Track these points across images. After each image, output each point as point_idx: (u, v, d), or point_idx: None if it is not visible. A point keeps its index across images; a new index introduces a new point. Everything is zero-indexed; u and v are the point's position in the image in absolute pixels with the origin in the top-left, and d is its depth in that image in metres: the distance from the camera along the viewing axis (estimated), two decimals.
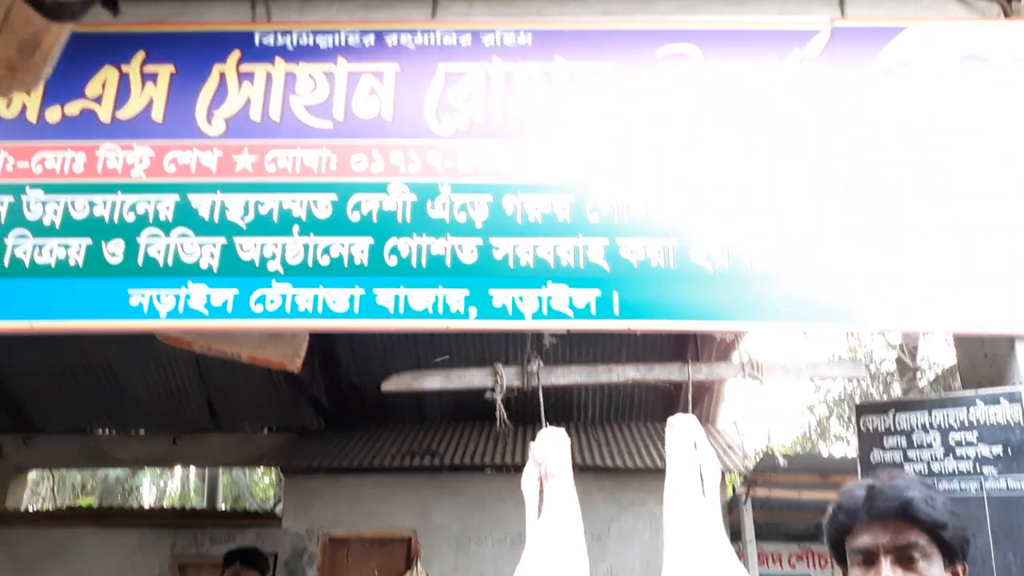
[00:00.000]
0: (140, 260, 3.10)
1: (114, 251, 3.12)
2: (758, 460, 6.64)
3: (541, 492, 2.28)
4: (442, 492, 7.89)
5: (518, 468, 7.93)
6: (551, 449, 2.33)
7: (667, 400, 8.22)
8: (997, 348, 3.05)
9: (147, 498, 14.86)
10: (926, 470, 2.64)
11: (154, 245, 3.13)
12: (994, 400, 2.68)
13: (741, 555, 7.53)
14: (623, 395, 8.37)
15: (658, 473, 7.58)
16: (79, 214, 3.19)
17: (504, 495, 7.83)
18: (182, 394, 8.16)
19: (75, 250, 3.13)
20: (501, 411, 3.12)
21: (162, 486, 15.96)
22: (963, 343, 3.40)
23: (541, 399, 3.05)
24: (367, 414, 8.49)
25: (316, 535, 7.69)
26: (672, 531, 2.09)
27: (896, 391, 12.64)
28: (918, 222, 3.07)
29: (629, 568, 7.15)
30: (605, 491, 7.48)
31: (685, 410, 2.74)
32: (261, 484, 15.87)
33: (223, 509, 10.48)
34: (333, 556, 7.65)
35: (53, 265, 3.11)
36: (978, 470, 2.61)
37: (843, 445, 15.83)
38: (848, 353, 13.52)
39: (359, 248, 3.11)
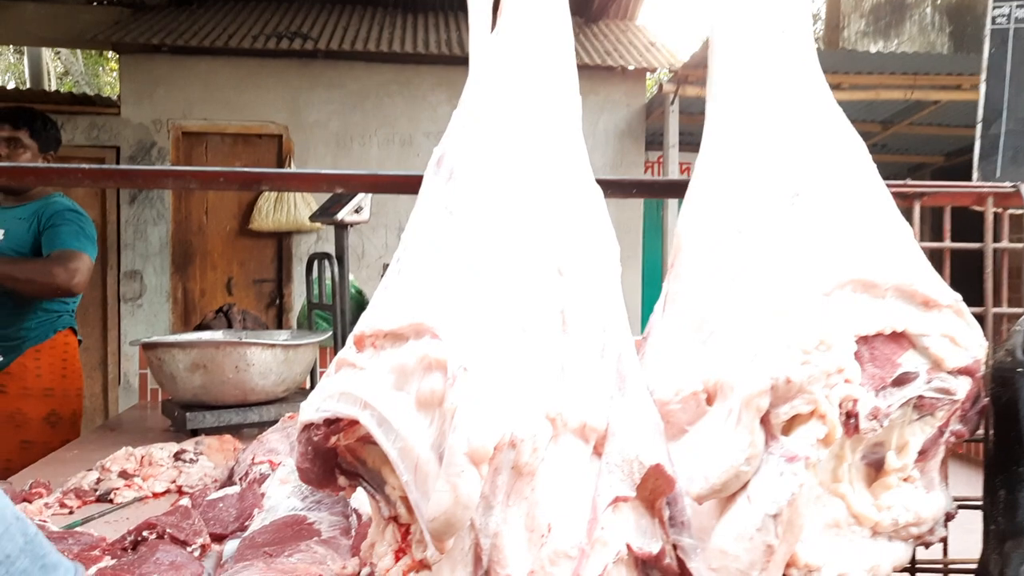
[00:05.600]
0: None
1: None
2: (694, 54, 5.85)
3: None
4: (316, 83, 6.88)
5: (408, 58, 6.94)
6: None
7: None
8: None
9: None
10: None
11: None
12: None
13: (660, 162, 7.09)
14: None
15: None
16: None
17: (391, 90, 6.92)
18: None
19: None
20: None
21: None
22: None
23: None
24: None
25: (165, 127, 6.69)
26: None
27: None
28: None
29: None
30: None
31: None
32: (103, 79, 14.18)
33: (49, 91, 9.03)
34: (188, 152, 6.74)
35: None
36: None
37: None
38: None
39: None
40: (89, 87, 12.83)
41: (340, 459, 1.15)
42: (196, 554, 1.36)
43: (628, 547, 1.05)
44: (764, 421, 1.04)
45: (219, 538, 1.45)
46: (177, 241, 6.85)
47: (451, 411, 0.99)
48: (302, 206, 6.60)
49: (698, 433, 1.15)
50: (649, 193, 1.22)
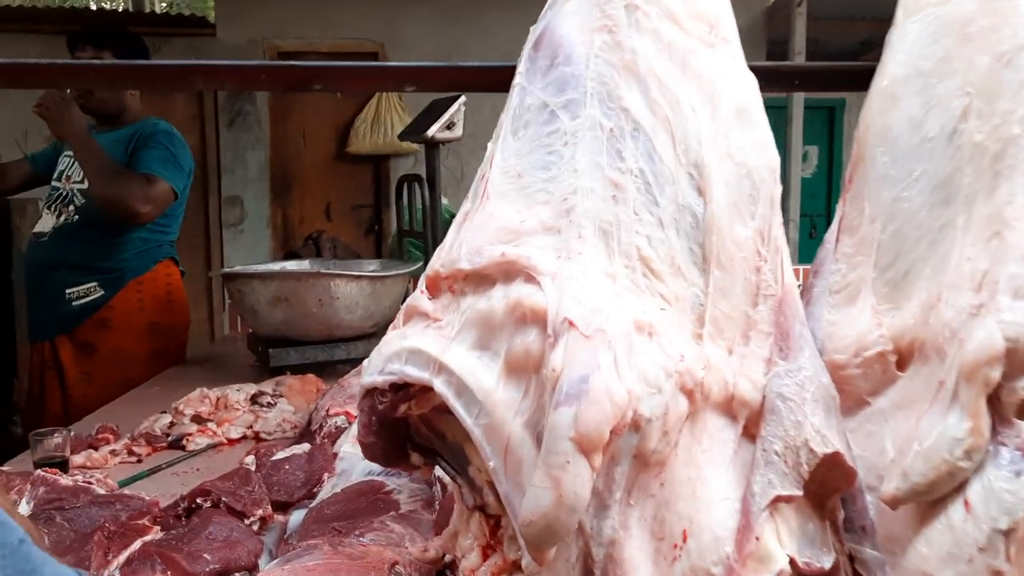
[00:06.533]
0: None
1: None
2: None
3: None
4: None
5: None
6: None
7: None
8: None
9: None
10: None
11: None
12: None
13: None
14: None
15: None
16: None
17: (490, 2, 6.56)
18: None
19: None
20: None
21: None
22: None
23: None
24: None
25: (260, 48, 6.55)
26: None
27: None
28: None
29: None
30: None
31: None
32: (207, 3, 14.19)
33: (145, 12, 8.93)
34: None
35: None
36: None
37: None
38: None
39: None
40: (191, 12, 12.87)
41: (412, 431, 0.92)
42: (255, 527, 1.18)
43: (792, 562, 0.79)
44: (992, 399, 0.74)
45: (283, 506, 1.26)
46: (275, 166, 6.77)
47: (552, 379, 0.74)
48: (399, 127, 6.38)
49: (886, 408, 0.86)
50: (820, 85, 0.91)
